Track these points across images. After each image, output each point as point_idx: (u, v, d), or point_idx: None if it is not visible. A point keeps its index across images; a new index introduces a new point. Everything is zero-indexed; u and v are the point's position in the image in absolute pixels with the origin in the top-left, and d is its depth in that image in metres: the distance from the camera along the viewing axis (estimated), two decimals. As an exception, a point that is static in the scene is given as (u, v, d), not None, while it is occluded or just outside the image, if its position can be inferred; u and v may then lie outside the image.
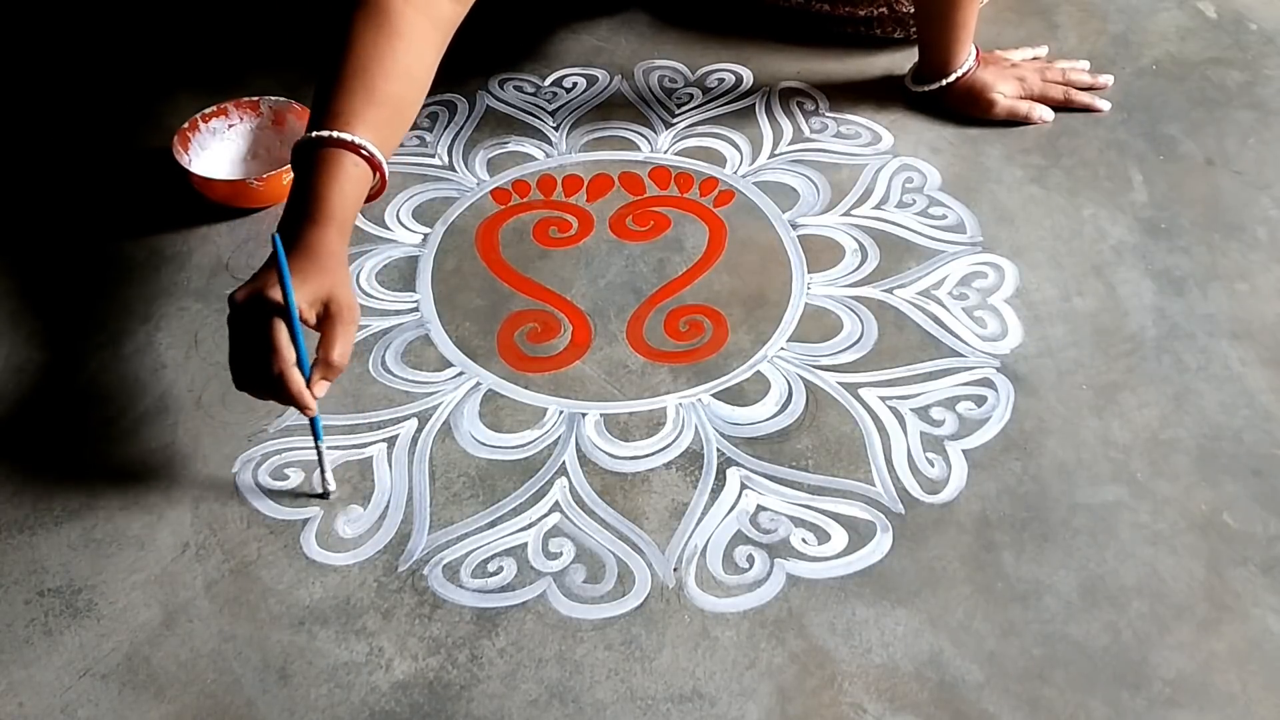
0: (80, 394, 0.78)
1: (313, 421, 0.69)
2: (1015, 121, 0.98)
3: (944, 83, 0.98)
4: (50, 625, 0.65)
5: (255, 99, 0.95)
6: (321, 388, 0.67)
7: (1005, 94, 0.98)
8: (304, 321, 0.66)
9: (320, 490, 0.71)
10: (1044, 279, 0.84)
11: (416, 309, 0.83)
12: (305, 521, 0.70)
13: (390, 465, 0.73)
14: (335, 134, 0.71)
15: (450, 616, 0.65)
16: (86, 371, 0.79)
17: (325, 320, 0.67)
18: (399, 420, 0.75)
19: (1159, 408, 0.75)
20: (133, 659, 0.63)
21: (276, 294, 0.65)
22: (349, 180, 0.71)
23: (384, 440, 0.74)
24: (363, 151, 0.71)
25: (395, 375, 0.78)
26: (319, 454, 0.70)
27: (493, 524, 0.69)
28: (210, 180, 0.89)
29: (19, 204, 0.94)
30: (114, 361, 0.80)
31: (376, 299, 0.84)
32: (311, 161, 0.71)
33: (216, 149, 0.94)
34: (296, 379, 0.65)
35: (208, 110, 0.94)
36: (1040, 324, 0.80)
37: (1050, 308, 0.82)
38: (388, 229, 0.90)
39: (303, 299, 0.66)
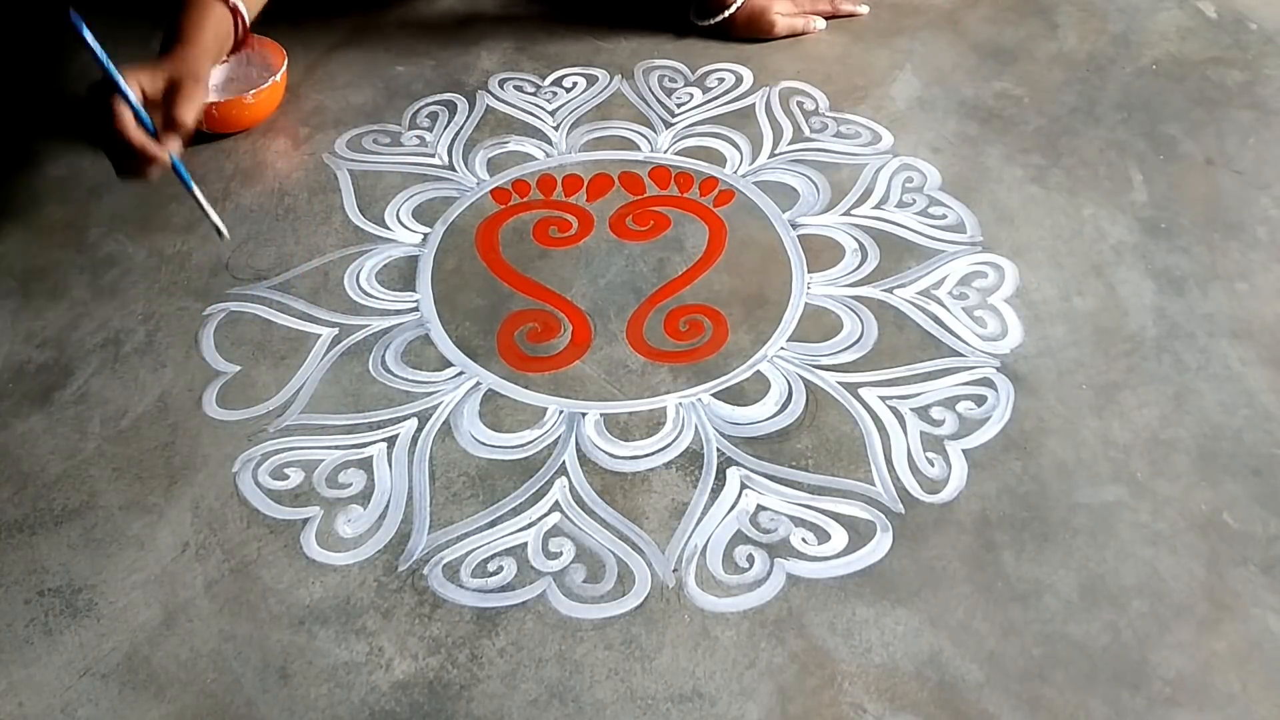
0: (80, 394, 0.78)
1: (177, 172, 0.76)
2: (1004, 116, 0.98)
3: (726, 14, 1.07)
4: (50, 625, 0.65)
5: None
6: (174, 143, 0.76)
7: (783, 13, 1.08)
8: (146, 98, 0.75)
9: (217, 233, 0.80)
10: (1044, 279, 0.84)
11: (416, 309, 0.83)
12: (305, 521, 0.70)
13: (390, 465, 0.73)
14: None
15: (450, 616, 0.65)
16: (86, 371, 0.79)
17: (170, 91, 0.76)
18: (399, 420, 0.75)
19: (1159, 407, 0.75)
20: (133, 659, 0.63)
21: (135, 74, 0.75)
22: (206, 15, 0.83)
23: (384, 440, 0.74)
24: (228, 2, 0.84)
25: (395, 375, 0.78)
26: (197, 201, 0.78)
27: (493, 524, 0.69)
28: (209, 105, 0.94)
29: (19, 203, 0.94)
30: (114, 361, 0.80)
31: (376, 299, 0.84)
32: (178, 7, 0.83)
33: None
34: (139, 134, 0.74)
35: None
36: (1040, 324, 0.81)
37: (1050, 307, 0.82)
38: (388, 229, 0.90)
39: (141, 77, 0.75)
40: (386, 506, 0.71)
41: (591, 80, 1.05)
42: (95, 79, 0.76)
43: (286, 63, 1.01)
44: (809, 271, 0.85)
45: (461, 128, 1.00)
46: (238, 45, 0.87)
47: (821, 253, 0.87)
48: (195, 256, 0.88)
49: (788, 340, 0.80)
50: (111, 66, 0.73)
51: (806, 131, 0.98)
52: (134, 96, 0.74)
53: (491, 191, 0.93)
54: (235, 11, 0.85)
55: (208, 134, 0.98)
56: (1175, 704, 0.60)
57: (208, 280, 0.86)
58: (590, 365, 0.79)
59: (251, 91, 0.97)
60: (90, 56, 0.73)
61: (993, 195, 0.91)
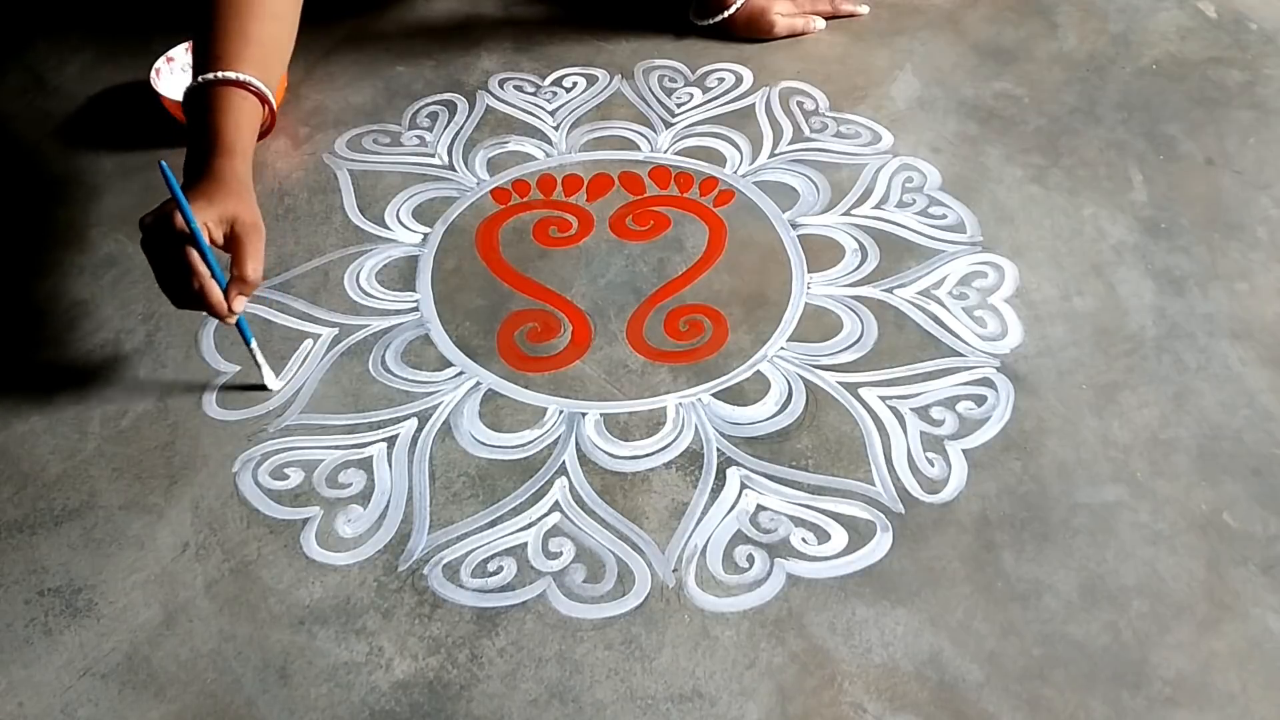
0: (80, 394, 0.78)
1: (239, 327, 0.75)
2: (1004, 116, 0.98)
3: (726, 14, 1.07)
4: (50, 625, 0.65)
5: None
6: (240, 302, 0.73)
7: (783, 13, 1.08)
8: (211, 241, 0.72)
9: (263, 383, 0.77)
10: (1044, 279, 0.84)
11: (416, 309, 0.83)
12: (305, 521, 0.70)
13: (390, 465, 0.73)
14: (221, 74, 0.79)
15: (450, 616, 0.65)
16: (86, 370, 0.79)
17: (234, 240, 0.73)
18: (399, 420, 0.75)
19: (1159, 407, 0.75)
20: (133, 659, 0.63)
21: (180, 217, 0.70)
22: (242, 113, 0.79)
23: (384, 440, 0.74)
24: (250, 86, 0.80)
25: (395, 375, 0.78)
26: (252, 354, 0.76)
27: (493, 524, 0.69)
28: None
29: (18, 203, 0.94)
30: (114, 361, 0.80)
31: (376, 299, 0.84)
32: (205, 102, 0.79)
33: (183, 81, 0.97)
34: (214, 291, 0.71)
35: (171, 51, 1.00)
36: (1040, 324, 0.80)
37: (1050, 307, 0.82)
38: (388, 229, 0.90)
39: (209, 219, 0.72)
40: (386, 506, 0.71)
41: (591, 80, 1.05)
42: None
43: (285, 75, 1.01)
44: (809, 271, 0.85)
45: (461, 128, 1.00)
46: (263, 134, 0.84)
47: (821, 253, 0.87)
48: (195, 256, 0.88)
49: (788, 340, 0.80)
50: (194, 219, 0.70)
51: (806, 131, 0.98)
52: (212, 254, 0.71)
53: (491, 191, 0.93)
54: (260, 96, 0.81)
55: None
56: (1175, 704, 0.60)
57: (208, 280, 0.86)
58: (590, 365, 0.79)
59: None
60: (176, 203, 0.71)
61: (993, 195, 0.91)
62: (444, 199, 0.93)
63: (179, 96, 0.94)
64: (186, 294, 0.71)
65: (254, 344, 0.76)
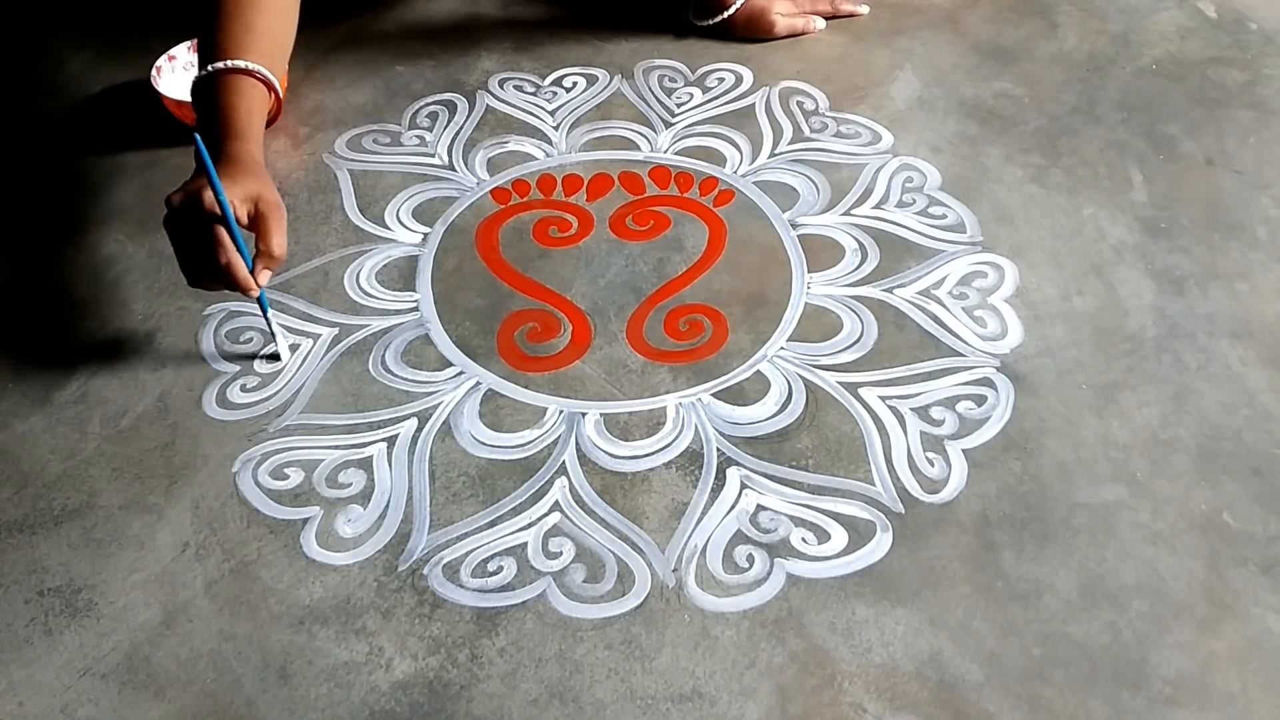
0: (80, 394, 0.78)
1: (259, 301, 0.78)
2: (1004, 116, 0.98)
3: (726, 14, 1.07)
4: (50, 625, 0.65)
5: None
6: (265, 277, 0.76)
7: (783, 13, 1.08)
8: (236, 219, 0.74)
9: (274, 352, 0.80)
10: (1044, 279, 0.84)
11: (416, 309, 0.83)
12: (305, 521, 0.70)
13: (390, 465, 0.73)
14: (230, 63, 0.81)
15: (450, 616, 0.65)
16: (86, 371, 0.79)
17: (258, 218, 0.75)
18: (399, 420, 0.75)
19: (1159, 407, 0.75)
20: (133, 659, 0.63)
21: (209, 195, 0.72)
22: (252, 99, 0.81)
23: (384, 440, 0.74)
24: (258, 74, 0.82)
25: (395, 375, 0.78)
26: (269, 324, 0.79)
27: (493, 524, 0.69)
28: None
29: (18, 203, 0.94)
30: (114, 361, 0.80)
31: (376, 298, 0.84)
32: (213, 91, 0.81)
33: (184, 80, 0.99)
34: (241, 267, 0.74)
35: (173, 50, 1.01)
36: (1040, 324, 0.80)
37: (1050, 307, 0.82)
38: (388, 229, 0.90)
39: (235, 197, 0.74)
40: (386, 506, 0.71)
41: (591, 80, 1.05)
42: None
43: (286, 73, 1.01)
44: (809, 271, 0.85)
45: (461, 128, 1.00)
46: (269, 123, 0.86)
47: (821, 252, 0.87)
48: (195, 256, 0.88)
49: (788, 340, 0.80)
50: (225, 197, 0.72)
51: (806, 131, 0.98)
52: (240, 232, 0.74)
53: (491, 191, 0.93)
54: (267, 83, 0.83)
55: None
56: (1175, 704, 0.60)
57: (208, 280, 0.86)
58: (590, 365, 0.79)
59: None
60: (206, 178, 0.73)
61: (993, 195, 0.91)
62: (444, 199, 0.93)
63: (180, 95, 0.95)
64: (213, 270, 0.73)
65: (270, 313, 0.79)
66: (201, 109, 0.82)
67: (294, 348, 0.80)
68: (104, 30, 1.15)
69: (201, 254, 0.73)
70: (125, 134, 1.00)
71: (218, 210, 0.73)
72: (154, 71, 0.98)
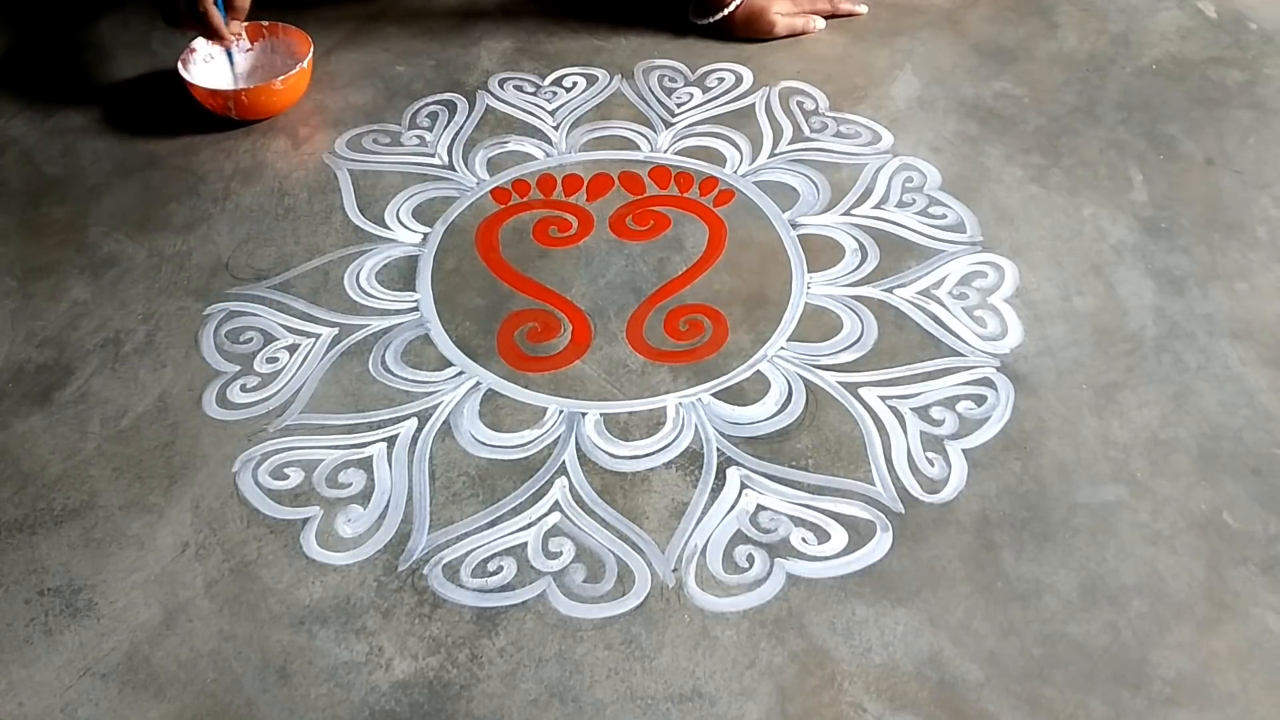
0: (80, 394, 0.78)
1: (227, 52, 1.00)
2: (1004, 115, 0.98)
3: (725, 13, 1.07)
4: (50, 625, 0.65)
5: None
6: (236, 26, 0.98)
7: (782, 13, 1.08)
8: None
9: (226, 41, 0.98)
10: (1044, 279, 0.84)
11: (416, 309, 0.83)
12: (305, 521, 0.70)
13: (390, 465, 0.73)
14: None
15: (450, 616, 0.65)
16: (86, 371, 0.79)
17: None
18: (399, 420, 0.75)
19: (1159, 407, 0.75)
20: (133, 659, 0.63)
21: None
22: None
23: (384, 440, 0.74)
24: None
25: (395, 375, 0.78)
26: (230, 56, 1.01)
27: (493, 523, 0.69)
28: (238, 92, 0.97)
29: (18, 202, 0.94)
30: (114, 361, 0.80)
31: (376, 298, 0.84)
32: None
33: (213, 71, 1.03)
34: (216, 15, 0.95)
35: (196, 41, 1.02)
36: (1040, 324, 0.81)
37: (1050, 307, 0.82)
38: (388, 229, 0.90)
39: None
40: (386, 506, 0.71)
41: (591, 80, 1.05)
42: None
43: (313, 50, 1.01)
44: (809, 271, 0.85)
45: (461, 128, 1.00)
46: None
47: (821, 252, 0.87)
48: (195, 256, 0.88)
49: (788, 340, 0.80)
50: None
51: (806, 131, 0.98)
52: None
53: (491, 191, 0.93)
54: None
55: (235, 121, 0.99)
56: (1175, 704, 0.60)
57: (208, 280, 0.86)
58: (590, 365, 0.79)
59: (280, 77, 0.98)
60: None
61: (993, 195, 0.91)
62: (444, 199, 0.93)
63: (209, 83, 0.99)
64: (191, 14, 0.94)
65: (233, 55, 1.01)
66: None
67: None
68: (105, 29, 1.15)
69: (192, 11, 0.93)
70: (126, 133, 1.00)
71: None
72: (179, 64, 0.99)
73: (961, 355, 0.78)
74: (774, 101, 1.01)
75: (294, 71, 0.98)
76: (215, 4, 0.94)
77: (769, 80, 1.04)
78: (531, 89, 1.04)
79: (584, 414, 0.76)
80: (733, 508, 0.70)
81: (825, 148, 0.96)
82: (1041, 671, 0.61)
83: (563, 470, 0.72)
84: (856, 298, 0.83)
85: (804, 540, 0.68)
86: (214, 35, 0.97)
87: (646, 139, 0.98)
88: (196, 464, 0.73)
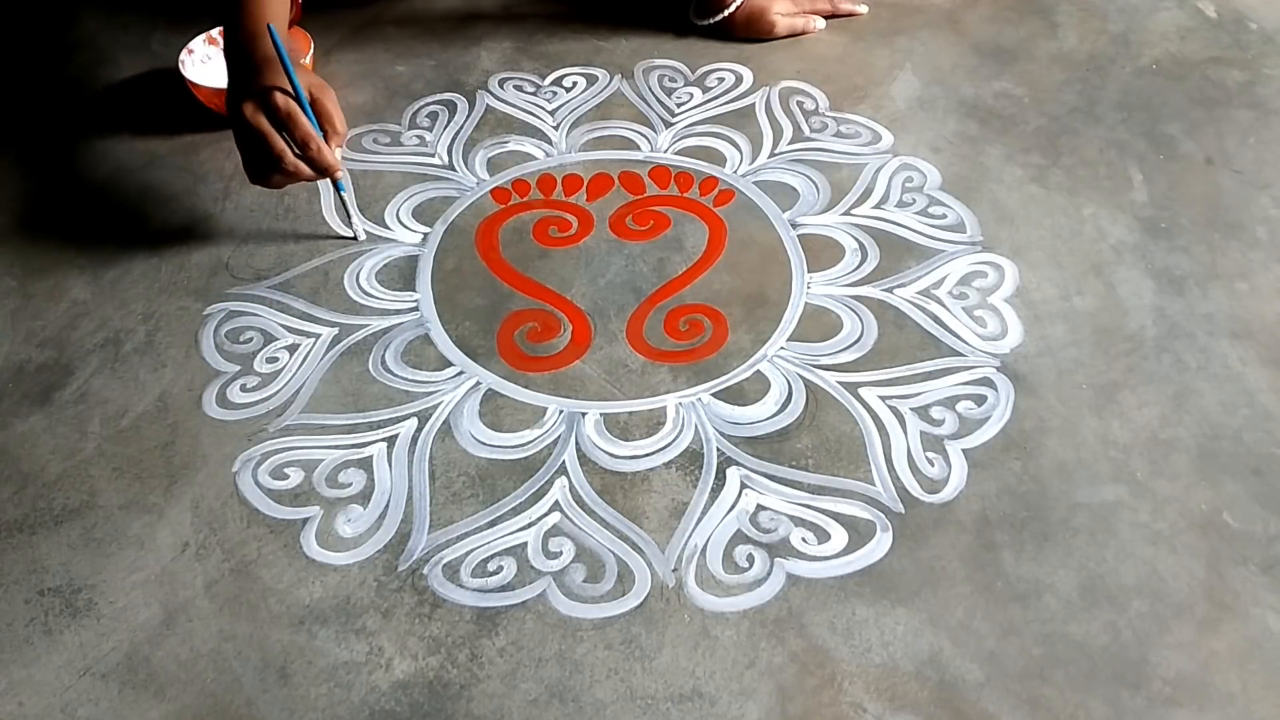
0: (80, 394, 0.78)
1: (336, 183, 0.85)
2: (1004, 115, 0.98)
3: (725, 14, 1.07)
4: (50, 625, 0.65)
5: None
6: (338, 153, 0.83)
7: (782, 13, 1.08)
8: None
9: (351, 234, 0.88)
10: (1044, 278, 0.84)
11: (416, 308, 0.83)
12: (305, 521, 0.70)
13: (390, 465, 0.73)
14: None
15: (450, 616, 0.65)
16: (86, 371, 0.79)
17: (315, 103, 0.81)
18: (399, 420, 0.75)
19: (1159, 407, 0.75)
20: (133, 658, 0.63)
21: (283, 83, 0.79)
22: (276, 2, 0.86)
23: (384, 440, 0.74)
24: None
25: (395, 375, 0.78)
26: (345, 204, 0.87)
27: (493, 523, 0.69)
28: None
29: (18, 202, 0.94)
30: (114, 361, 0.80)
31: (376, 298, 0.84)
32: (238, 5, 0.85)
33: (213, 70, 1.01)
34: (325, 146, 0.81)
35: (193, 43, 1.02)
36: (1040, 323, 0.80)
37: (1050, 307, 0.82)
38: (388, 229, 0.90)
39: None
40: (386, 506, 0.71)
41: (591, 80, 1.05)
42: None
43: (313, 49, 1.01)
44: (809, 271, 0.85)
45: (461, 127, 1.00)
46: (290, 23, 0.91)
47: (821, 252, 0.87)
48: (195, 256, 0.88)
49: (788, 340, 0.80)
50: (298, 81, 0.79)
51: (806, 131, 0.98)
52: (313, 117, 0.81)
53: (491, 191, 0.93)
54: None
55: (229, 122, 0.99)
56: (1175, 704, 0.60)
57: (208, 280, 0.86)
58: (590, 365, 0.79)
59: None
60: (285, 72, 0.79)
61: (993, 195, 0.91)
62: (444, 199, 0.93)
63: (209, 83, 0.97)
64: (288, 161, 0.80)
65: (347, 193, 0.87)
66: (229, 12, 0.85)
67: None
68: (104, 29, 1.15)
69: (275, 146, 0.80)
70: (125, 132, 1.00)
71: (293, 103, 0.79)
72: (179, 64, 0.99)
73: (961, 355, 0.78)
74: (774, 101, 1.01)
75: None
76: (312, 126, 0.81)
77: (769, 80, 1.04)
78: (531, 89, 1.04)
79: (584, 414, 0.76)
80: (733, 508, 0.70)
81: (825, 148, 0.96)
82: (1041, 671, 0.61)
83: (563, 470, 0.72)
84: (856, 298, 0.83)
85: (804, 540, 0.68)
86: (325, 173, 0.83)
87: (646, 139, 0.98)
88: (196, 464, 0.73)
